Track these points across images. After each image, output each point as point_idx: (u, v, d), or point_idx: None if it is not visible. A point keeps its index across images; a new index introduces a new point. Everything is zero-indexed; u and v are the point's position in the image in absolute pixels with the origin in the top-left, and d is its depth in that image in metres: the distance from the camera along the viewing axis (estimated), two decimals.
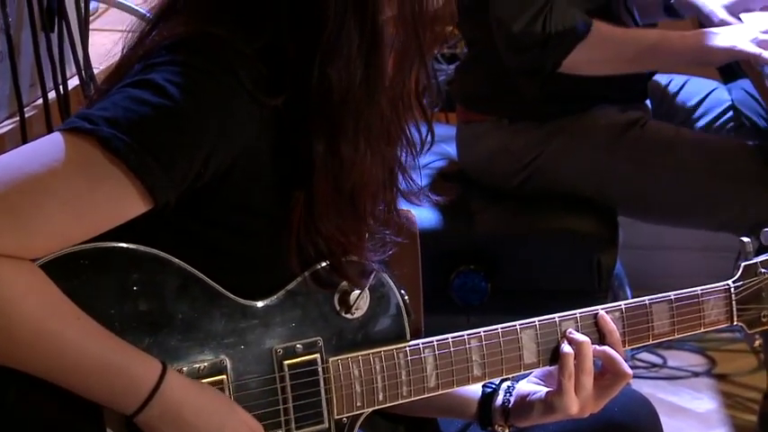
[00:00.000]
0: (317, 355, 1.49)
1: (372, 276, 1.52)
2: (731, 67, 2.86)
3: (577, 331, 1.60)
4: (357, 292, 1.51)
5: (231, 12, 1.42)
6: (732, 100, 2.95)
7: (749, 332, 1.72)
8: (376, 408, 1.53)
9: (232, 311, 1.44)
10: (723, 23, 2.67)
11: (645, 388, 3.11)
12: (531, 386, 1.63)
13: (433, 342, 1.55)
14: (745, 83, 2.87)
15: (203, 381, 1.42)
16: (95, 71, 2.02)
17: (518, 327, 1.59)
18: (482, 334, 1.57)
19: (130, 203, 1.34)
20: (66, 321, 1.32)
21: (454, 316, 2.60)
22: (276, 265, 1.47)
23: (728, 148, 2.72)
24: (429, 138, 1.52)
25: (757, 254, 1.72)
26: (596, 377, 1.59)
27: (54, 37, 1.94)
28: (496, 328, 1.58)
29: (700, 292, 1.68)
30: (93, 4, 2.18)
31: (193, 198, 1.39)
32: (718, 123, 2.93)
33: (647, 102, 2.90)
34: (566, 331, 1.60)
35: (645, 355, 3.34)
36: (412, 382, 1.54)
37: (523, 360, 1.59)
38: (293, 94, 1.41)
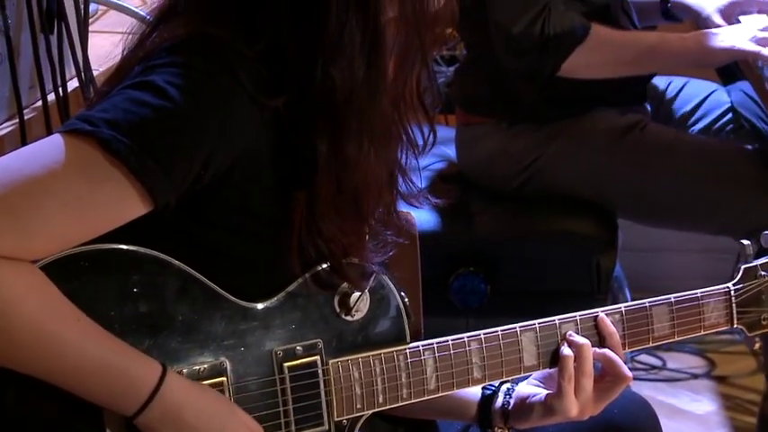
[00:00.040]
0: (317, 357, 1.49)
1: (372, 278, 1.52)
2: (730, 68, 2.86)
3: (577, 334, 1.60)
4: (357, 294, 1.51)
5: (231, 13, 1.42)
6: (731, 102, 2.95)
7: (749, 335, 1.72)
8: (376, 410, 1.53)
9: (232, 313, 1.44)
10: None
11: (644, 390, 3.10)
12: (530, 388, 1.63)
13: (432, 344, 1.55)
14: (745, 85, 2.87)
15: (203, 382, 1.42)
16: (95, 73, 2.01)
17: (518, 329, 1.59)
18: (482, 336, 1.57)
19: (130, 205, 1.34)
20: (65, 323, 1.32)
21: (454, 318, 2.61)
22: (276, 267, 1.47)
23: (728, 152, 2.72)
24: (431, 138, 1.52)
25: (757, 257, 1.72)
26: (596, 380, 1.59)
27: (53, 39, 1.93)
28: (496, 331, 1.58)
29: (700, 294, 1.68)
30: (92, 6, 2.18)
31: (193, 199, 1.39)
32: (717, 125, 2.93)
33: (647, 104, 2.90)
34: (566, 334, 1.60)
35: (644, 357, 3.34)
36: (412, 384, 1.54)
37: (523, 362, 1.59)
38: (294, 95, 1.41)
